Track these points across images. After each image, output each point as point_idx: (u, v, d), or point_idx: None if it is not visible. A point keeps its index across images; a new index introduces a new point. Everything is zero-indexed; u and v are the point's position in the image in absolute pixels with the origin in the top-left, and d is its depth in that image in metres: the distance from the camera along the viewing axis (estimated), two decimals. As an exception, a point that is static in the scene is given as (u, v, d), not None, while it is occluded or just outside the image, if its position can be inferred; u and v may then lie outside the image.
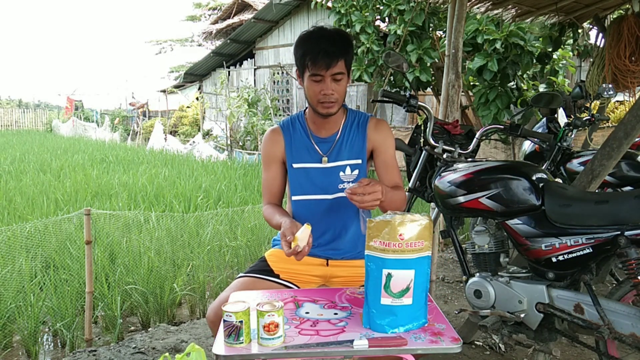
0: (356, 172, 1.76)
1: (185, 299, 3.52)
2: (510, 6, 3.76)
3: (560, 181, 2.63)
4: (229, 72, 15.58)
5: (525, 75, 5.77)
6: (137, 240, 3.82)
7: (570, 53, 5.86)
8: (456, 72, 2.87)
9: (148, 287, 3.22)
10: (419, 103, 2.23)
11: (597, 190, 2.45)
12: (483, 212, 1.95)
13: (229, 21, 17.74)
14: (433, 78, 6.24)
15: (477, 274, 2.03)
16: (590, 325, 1.74)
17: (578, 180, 2.38)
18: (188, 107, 18.05)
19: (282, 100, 14.47)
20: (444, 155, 2.22)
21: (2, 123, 25.40)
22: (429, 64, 5.95)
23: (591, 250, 1.75)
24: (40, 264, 3.45)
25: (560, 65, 5.77)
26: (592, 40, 5.15)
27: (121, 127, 19.73)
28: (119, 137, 17.60)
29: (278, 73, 14.42)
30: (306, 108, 1.84)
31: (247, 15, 16.49)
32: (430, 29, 6.14)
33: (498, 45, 5.25)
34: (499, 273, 1.99)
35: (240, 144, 12.33)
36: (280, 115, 12.48)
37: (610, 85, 3.15)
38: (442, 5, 4.75)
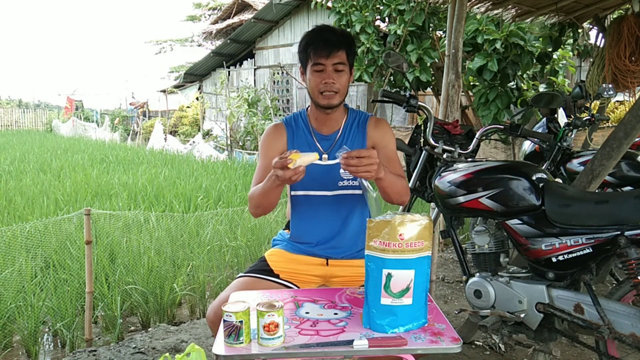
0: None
1: (185, 299, 3.52)
2: (510, 6, 3.76)
3: (560, 181, 2.63)
4: (229, 72, 15.57)
5: (525, 75, 5.76)
6: (137, 240, 3.82)
7: (570, 53, 5.86)
8: (456, 72, 2.87)
9: (148, 287, 3.22)
10: (419, 103, 2.23)
11: (597, 190, 2.45)
12: (483, 212, 1.95)
13: (229, 21, 17.73)
14: (433, 78, 6.23)
15: (477, 274, 2.03)
16: (590, 325, 1.74)
17: (578, 180, 2.38)
18: (188, 107, 18.05)
19: (282, 100, 14.46)
20: (444, 155, 2.22)
21: (2, 123, 25.40)
22: (429, 64, 5.94)
23: (591, 250, 1.75)
24: (40, 264, 3.44)
25: (560, 65, 5.77)
26: (592, 40, 5.16)
27: (121, 127, 19.73)
28: (119, 137, 17.60)
29: (278, 73, 14.42)
30: (309, 106, 1.85)
31: (247, 15, 16.48)
32: (430, 29, 6.14)
33: (498, 45, 5.24)
34: (499, 273, 1.99)
35: (240, 144, 12.34)
36: (280, 115, 12.47)
37: (610, 85, 3.15)
38: (442, 5, 4.74)
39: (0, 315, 2.83)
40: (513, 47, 5.28)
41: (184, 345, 2.73)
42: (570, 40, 5.30)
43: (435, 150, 2.24)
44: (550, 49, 5.05)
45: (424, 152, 2.33)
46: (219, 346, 1.26)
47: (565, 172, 3.23)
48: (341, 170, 1.77)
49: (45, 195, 5.64)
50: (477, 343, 2.69)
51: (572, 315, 1.79)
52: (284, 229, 1.95)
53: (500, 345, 2.61)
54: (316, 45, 1.68)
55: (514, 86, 5.52)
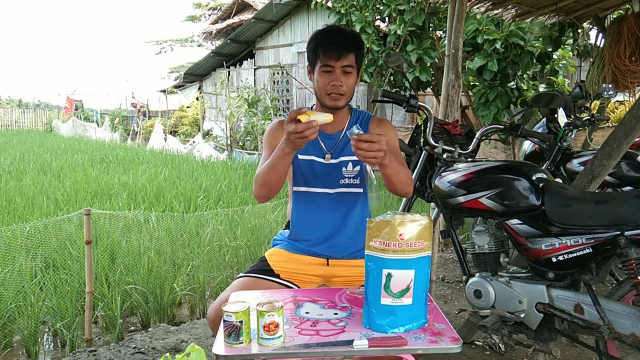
0: (357, 167, 1.79)
1: (185, 299, 3.52)
2: (510, 6, 3.76)
3: (560, 181, 2.63)
4: (229, 72, 15.57)
5: (525, 75, 5.76)
6: (137, 240, 3.82)
7: (570, 53, 5.85)
8: (456, 72, 2.87)
9: (148, 287, 3.22)
10: (419, 103, 2.23)
11: (597, 190, 2.45)
12: (483, 212, 1.95)
13: (229, 21, 17.73)
14: (433, 78, 6.23)
15: (477, 274, 2.03)
16: (590, 325, 1.74)
17: (578, 180, 2.38)
18: (188, 107, 18.05)
19: (282, 100, 14.46)
20: (444, 155, 2.22)
21: (2, 123, 25.40)
22: (429, 64, 5.94)
23: (591, 250, 1.75)
24: (40, 264, 3.44)
25: (560, 65, 5.77)
26: (592, 40, 5.15)
27: (121, 127, 19.73)
28: (119, 137, 17.60)
29: (278, 73, 14.42)
30: (314, 105, 1.86)
31: (247, 15, 16.48)
32: (430, 29, 6.14)
33: (498, 45, 5.24)
34: (499, 273, 1.99)
35: (240, 144, 12.34)
36: (280, 115, 12.47)
37: (610, 85, 3.15)
38: (442, 5, 4.75)
39: (0, 315, 2.83)
40: (513, 47, 5.28)
41: (184, 345, 2.73)
42: (570, 40, 5.29)
43: (435, 150, 2.24)
44: (550, 49, 5.05)
45: (424, 152, 2.33)
46: (219, 346, 1.26)
47: (565, 172, 3.23)
48: (343, 169, 1.78)
49: (45, 195, 5.64)
50: (477, 343, 2.69)
51: (572, 315, 1.79)
52: (284, 229, 1.95)
53: (500, 345, 2.61)
54: (326, 47, 1.69)
55: (514, 86, 5.52)
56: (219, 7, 23.39)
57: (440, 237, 2.48)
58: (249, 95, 12.17)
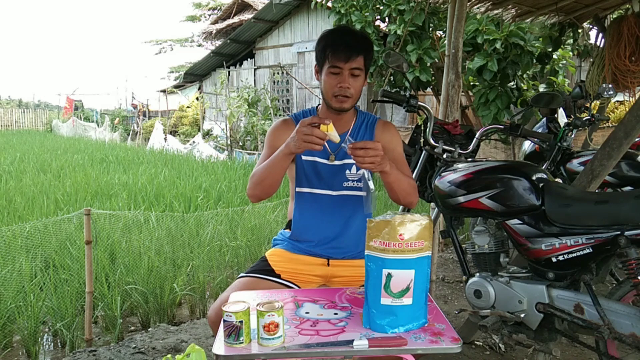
0: (362, 170, 1.77)
1: (185, 299, 3.52)
2: (510, 6, 3.75)
3: (560, 181, 2.64)
4: (229, 72, 15.57)
5: (525, 75, 5.75)
6: (137, 240, 3.83)
7: (570, 53, 5.85)
8: (456, 72, 2.87)
9: (148, 287, 3.22)
10: (419, 103, 2.23)
11: (597, 190, 2.45)
12: (483, 212, 1.95)
13: (229, 21, 17.74)
14: (433, 78, 6.23)
15: (477, 274, 2.03)
16: (590, 325, 1.74)
17: (578, 180, 2.38)
18: (188, 107, 18.05)
19: (282, 100, 14.46)
20: (444, 155, 2.22)
21: (2, 123, 25.39)
22: (429, 64, 5.94)
23: (591, 250, 1.75)
24: (40, 264, 3.44)
25: (560, 65, 5.77)
26: (592, 40, 5.15)
27: (121, 127, 19.73)
28: (119, 137, 17.60)
29: (278, 73, 14.41)
30: (318, 105, 1.85)
31: (247, 15, 16.49)
32: (430, 29, 6.13)
33: (498, 45, 5.24)
34: (499, 273, 1.99)
35: (240, 144, 12.34)
36: (280, 115, 12.48)
37: (610, 85, 3.15)
38: (442, 5, 4.74)
39: (0, 315, 2.83)
40: (513, 47, 5.27)
41: (184, 345, 2.73)
42: (570, 40, 5.29)
43: (435, 150, 2.24)
44: (550, 49, 5.04)
45: (424, 152, 2.33)
46: (219, 346, 1.26)
47: (565, 172, 3.23)
48: (347, 171, 1.78)
49: (45, 195, 5.64)
50: (477, 343, 2.69)
51: (572, 315, 1.79)
52: (284, 229, 1.95)
53: (500, 345, 2.61)
54: (335, 49, 1.67)
55: (514, 86, 5.51)
56: (219, 7, 23.40)
57: (440, 237, 2.48)
58: (249, 95, 12.18)
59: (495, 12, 3.86)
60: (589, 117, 3.36)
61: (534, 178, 1.89)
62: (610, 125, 7.57)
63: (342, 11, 6.56)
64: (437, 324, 1.35)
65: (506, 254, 2.04)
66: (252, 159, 10.14)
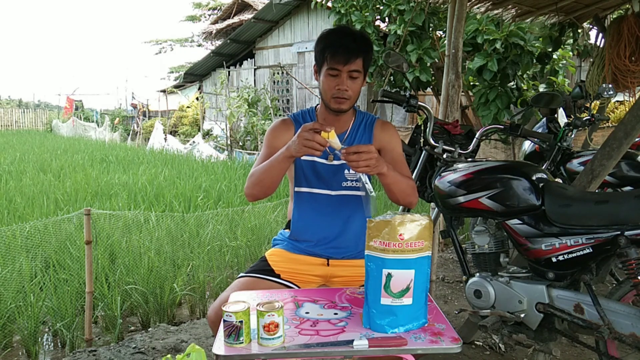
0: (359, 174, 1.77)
1: (185, 299, 3.52)
2: (510, 6, 3.76)
3: (560, 181, 2.63)
4: (229, 72, 15.57)
5: (525, 75, 5.76)
6: (137, 240, 3.83)
7: (570, 53, 5.85)
8: (456, 72, 2.87)
9: (148, 287, 3.22)
10: (419, 103, 2.23)
11: (597, 190, 2.45)
12: (483, 212, 1.95)
13: (229, 21, 17.73)
14: (433, 78, 6.23)
15: (477, 274, 2.03)
16: (590, 325, 1.74)
17: (578, 180, 2.38)
18: (188, 107, 18.04)
19: (282, 100, 14.46)
20: (444, 155, 2.22)
21: (2, 123, 25.39)
22: (429, 64, 5.94)
23: (591, 250, 1.75)
24: (40, 264, 3.44)
25: (560, 65, 5.77)
26: (592, 40, 5.15)
27: (121, 127, 19.73)
28: (119, 137, 17.60)
29: (278, 73, 14.41)
30: (317, 105, 1.85)
31: (247, 15, 16.48)
32: (430, 29, 6.13)
33: (498, 45, 5.24)
34: (499, 273, 1.99)
35: (240, 144, 12.33)
36: (280, 115, 12.47)
37: (610, 85, 3.15)
38: (442, 5, 4.75)
39: (0, 315, 2.83)
40: (513, 47, 5.27)
41: (184, 345, 2.73)
42: (570, 40, 5.29)
43: (435, 150, 2.24)
44: (550, 49, 5.04)
45: (424, 152, 2.33)
46: (219, 346, 1.26)
47: (565, 172, 3.23)
48: (346, 171, 1.78)
49: (45, 195, 5.64)
50: (477, 343, 2.69)
51: (572, 315, 1.79)
52: (284, 229, 1.95)
53: (500, 345, 2.61)
54: (334, 50, 1.66)
55: (514, 86, 5.51)
56: (219, 7, 23.40)
57: (440, 237, 2.48)
58: (249, 95, 12.17)
59: (495, 12, 3.86)
60: (589, 117, 3.36)
61: (534, 178, 1.89)
62: (610, 125, 7.57)
63: (342, 11, 6.57)
64: (437, 324, 1.35)
65: (506, 254, 2.04)
66: (252, 159, 10.14)
